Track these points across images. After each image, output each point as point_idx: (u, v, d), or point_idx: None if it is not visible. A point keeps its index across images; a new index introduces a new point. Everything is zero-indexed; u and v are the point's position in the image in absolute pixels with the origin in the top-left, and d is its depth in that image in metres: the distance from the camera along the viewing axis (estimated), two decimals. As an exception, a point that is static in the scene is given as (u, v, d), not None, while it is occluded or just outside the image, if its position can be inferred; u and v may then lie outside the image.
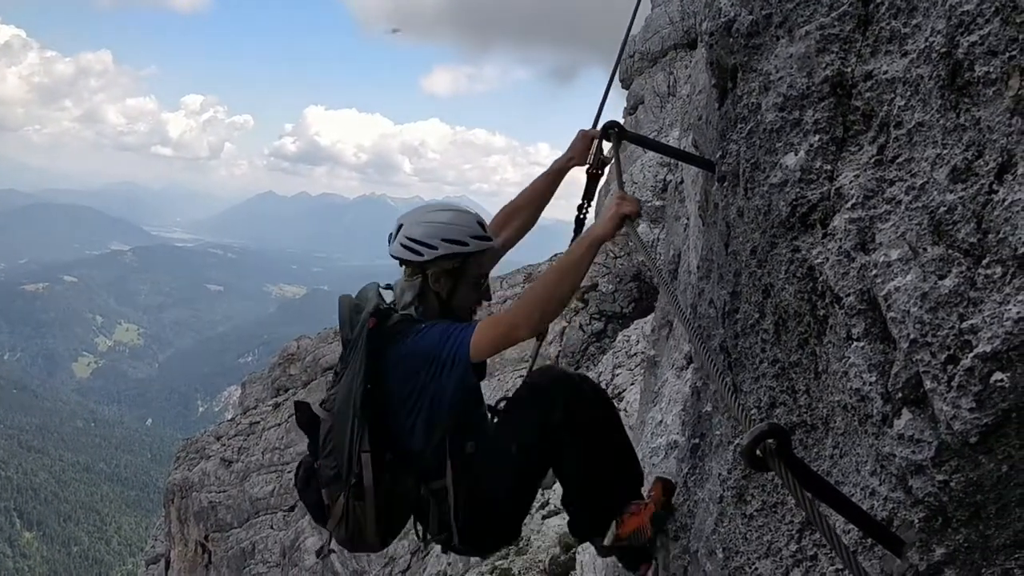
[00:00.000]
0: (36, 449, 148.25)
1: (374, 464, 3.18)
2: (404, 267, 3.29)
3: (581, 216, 3.53)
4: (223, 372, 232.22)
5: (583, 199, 3.46)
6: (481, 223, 3.29)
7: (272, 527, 37.38)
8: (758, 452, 1.42)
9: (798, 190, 1.91)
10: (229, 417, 56.49)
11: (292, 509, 36.85)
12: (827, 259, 1.80)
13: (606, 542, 3.32)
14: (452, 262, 3.21)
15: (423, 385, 3.16)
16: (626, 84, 27.08)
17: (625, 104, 26.94)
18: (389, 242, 3.29)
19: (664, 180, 17.21)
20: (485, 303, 3.45)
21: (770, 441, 1.41)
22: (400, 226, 3.27)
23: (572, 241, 3.43)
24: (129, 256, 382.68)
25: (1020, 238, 1.33)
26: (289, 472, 37.65)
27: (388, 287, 3.38)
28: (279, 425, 39.92)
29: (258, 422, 41.75)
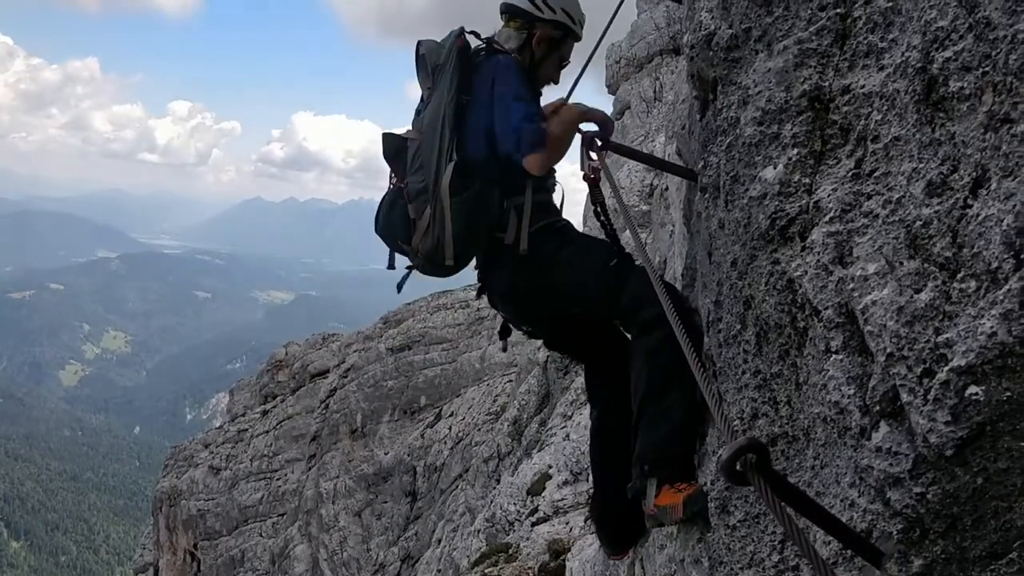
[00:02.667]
0: (23, 458, 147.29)
1: (460, 172, 3.40)
2: (513, 20, 3.63)
3: (603, 219, 3.57)
4: (211, 379, 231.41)
5: (595, 204, 3.49)
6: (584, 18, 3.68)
7: (261, 535, 37.24)
8: (738, 466, 1.43)
9: (777, 203, 1.92)
10: (217, 424, 56.36)
11: (282, 516, 36.75)
12: (806, 272, 1.81)
13: (645, 508, 3.15)
14: (558, 31, 3.60)
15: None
16: (612, 90, 27.11)
17: (612, 109, 26.99)
18: None
19: (651, 185, 17.25)
20: (553, 85, 3.78)
21: (750, 455, 1.42)
22: None
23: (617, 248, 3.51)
24: (116, 263, 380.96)
25: (994, 253, 1.34)
26: (278, 480, 37.57)
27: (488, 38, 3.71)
28: (267, 432, 39.80)
29: (246, 429, 41.59)
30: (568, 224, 3.61)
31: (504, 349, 4.33)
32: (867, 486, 1.65)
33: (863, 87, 1.75)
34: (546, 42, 3.60)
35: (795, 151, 1.89)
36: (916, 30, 1.57)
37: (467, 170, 3.42)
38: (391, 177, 3.68)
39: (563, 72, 3.97)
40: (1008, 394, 1.34)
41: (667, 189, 5.64)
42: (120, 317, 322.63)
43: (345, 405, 34.82)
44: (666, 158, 4.79)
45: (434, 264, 3.56)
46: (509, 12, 3.64)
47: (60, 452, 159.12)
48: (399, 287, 3.93)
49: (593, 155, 3.31)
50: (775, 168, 1.95)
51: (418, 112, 3.67)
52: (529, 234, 3.44)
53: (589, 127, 3.59)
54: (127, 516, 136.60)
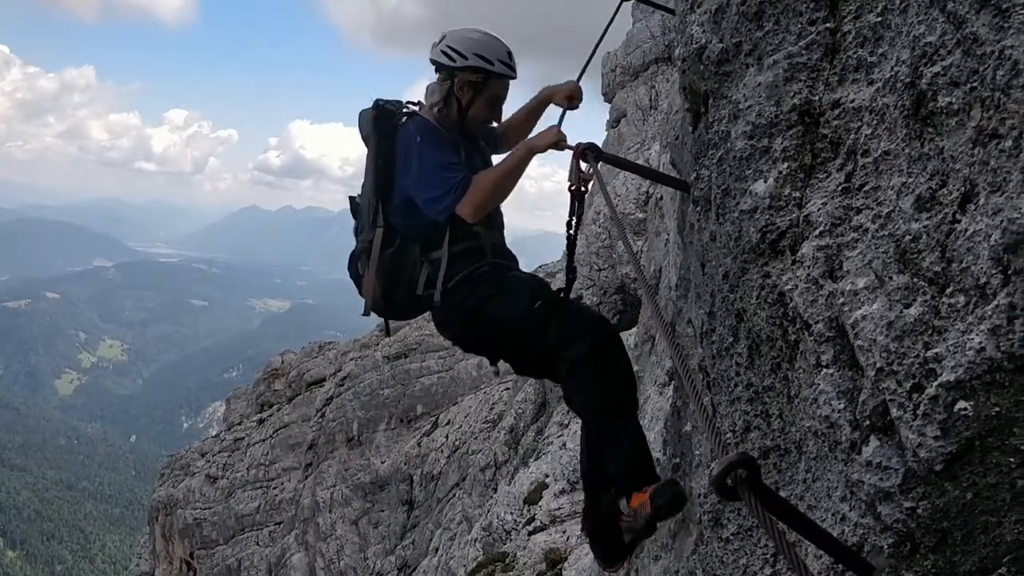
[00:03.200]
0: (19, 467, 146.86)
1: (385, 234, 3.74)
2: (438, 73, 3.82)
3: (571, 232, 3.65)
4: (207, 388, 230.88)
5: (570, 216, 3.55)
6: (510, 54, 3.80)
7: (258, 543, 37.14)
8: (729, 481, 1.43)
9: (767, 217, 1.93)
10: (214, 433, 56.23)
11: (279, 525, 36.66)
12: (796, 286, 1.81)
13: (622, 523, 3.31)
14: (477, 75, 3.74)
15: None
16: (608, 98, 27.15)
17: (608, 117, 27.03)
18: (431, 49, 3.81)
19: (647, 193, 17.25)
20: (494, 123, 4.02)
21: (740, 471, 1.42)
22: (443, 36, 3.80)
23: (568, 259, 3.75)
24: (112, 272, 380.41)
25: (982, 268, 1.34)
26: (274, 488, 37.49)
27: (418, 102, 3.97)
28: (264, 441, 39.71)
29: (243, 438, 41.51)
30: (493, 269, 3.74)
31: (496, 373, 4.64)
32: (858, 500, 1.65)
33: (853, 101, 1.75)
34: (468, 87, 3.78)
35: (785, 165, 1.90)
36: (905, 45, 1.57)
37: (393, 232, 3.75)
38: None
39: (567, 79, 4.24)
40: (996, 409, 1.34)
41: (662, 198, 5.66)
42: (116, 326, 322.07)
43: (342, 413, 34.75)
44: (661, 167, 4.80)
45: (379, 315, 4.01)
46: (434, 66, 3.84)
47: (56, 461, 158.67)
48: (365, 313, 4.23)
49: (584, 167, 3.32)
50: (766, 182, 1.95)
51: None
52: (448, 288, 3.68)
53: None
54: (123, 525, 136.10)
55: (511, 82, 3.90)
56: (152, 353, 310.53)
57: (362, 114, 3.91)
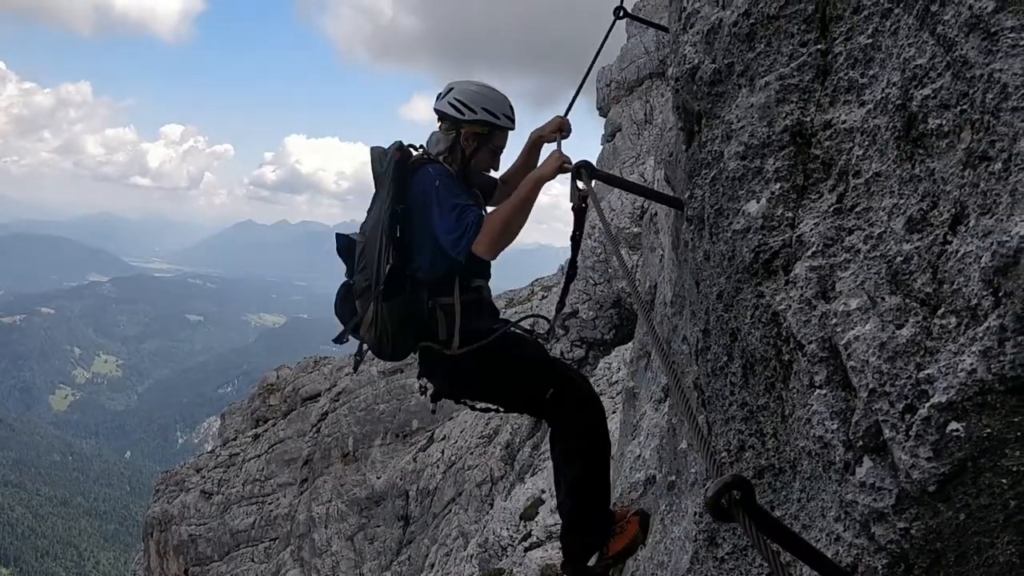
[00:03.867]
0: (12, 483, 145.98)
1: (394, 276, 3.83)
2: (442, 122, 4.00)
3: (575, 245, 3.78)
4: (203, 403, 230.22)
5: (575, 230, 3.68)
6: (511, 107, 4.01)
7: (253, 560, 36.94)
8: (723, 503, 1.43)
9: (760, 237, 1.93)
10: (209, 449, 55.99)
11: (274, 541, 36.47)
12: (790, 306, 1.81)
13: (591, 563, 3.93)
14: (483, 127, 3.94)
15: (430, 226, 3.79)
16: (603, 112, 27.25)
17: (603, 132, 27.11)
18: (437, 100, 3.99)
19: (642, 207, 17.28)
20: (493, 171, 4.19)
21: (735, 492, 1.42)
22: (450, 88, 3.97)
23: (569, 265, 4.00)
24: (107, 287, 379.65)
25: (973, 289, 1.35)
26: (270, 504, 37.31)
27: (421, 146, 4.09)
28: (259, 456, 39.56)
29: (238, 453, 41.36)
30: (502, 334, 3.93)
31: (434, 412, 4.86)
32: (852, 520, 1.65)
33: (844, 122, 1.77)
34: (473, 138, 3.96)
35: (778, 185, 1.91)
36: (895, 67, 1.58)
37: (401, 274, 3.86)
38: (347, 271, 4.11)
39: (562, 93, 4.30)
40: (988, 431, 1.35)
41: (656, 214, 5.67)
42: (111, 341, 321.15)
43: (337, 429, 34.65)
44: (655, 183, 4.81)
45: (378, 354, 4.04)
46: (439, 115, 3.99)
47: (50, 477, 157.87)
48: (355, 367, 4.56)
49: (581, 185, 3.34)
50: (758, 202, 1.96)
51: (369, 212, 4.03)
52: (462, 337, 3.85)
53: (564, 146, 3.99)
54: (117, 542, 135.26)
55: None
56: (147, 368, 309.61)
57: (378, 152, 3.99)
